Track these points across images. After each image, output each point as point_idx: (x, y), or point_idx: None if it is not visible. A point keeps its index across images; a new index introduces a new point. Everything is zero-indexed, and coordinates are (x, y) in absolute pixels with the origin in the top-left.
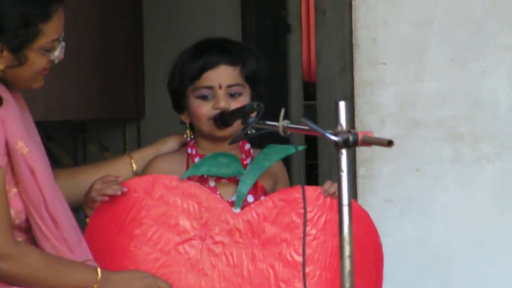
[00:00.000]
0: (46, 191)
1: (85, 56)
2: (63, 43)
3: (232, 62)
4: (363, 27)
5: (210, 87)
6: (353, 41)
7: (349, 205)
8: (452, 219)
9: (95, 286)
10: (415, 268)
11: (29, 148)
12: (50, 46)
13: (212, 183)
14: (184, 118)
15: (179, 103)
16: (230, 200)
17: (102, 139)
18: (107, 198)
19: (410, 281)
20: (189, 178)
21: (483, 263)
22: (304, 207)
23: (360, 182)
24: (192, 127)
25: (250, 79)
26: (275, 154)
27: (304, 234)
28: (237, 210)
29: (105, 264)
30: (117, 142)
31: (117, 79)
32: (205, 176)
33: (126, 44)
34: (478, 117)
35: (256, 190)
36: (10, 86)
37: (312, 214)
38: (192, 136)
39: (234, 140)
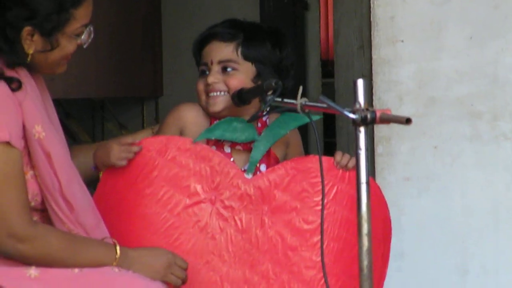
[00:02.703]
0: (62, 175)
1: (104, 34)
2: (91, 28)
3: (223, 38)
4: (381, 5)
5: (206, 63)
6: (371, 19)
7: (367, 182)
8: (470, 197)
9: (114, 263)
10: (433, 246)
11: (46, 133)
12: (80, 31)
13: (227, 149)
14: None
15: None
16: (242, 169)
17: (120, 117)
18: (126, 162)
19: (427, 259)
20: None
21: (500, 242)
22: (322, 180)
23: (378, 160)
24: None
25: (251, 57)
26: (290, 122)
27: (323, 207)
28: (249, 176)
29: (115, 222)
30: (136, 120)
31: (135, 57)
32: (221, 141)
33: (144, 22)
34: (497, 95)
35: (269, 159)
36: (33, 70)
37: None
38: None
39: (252, 118)
